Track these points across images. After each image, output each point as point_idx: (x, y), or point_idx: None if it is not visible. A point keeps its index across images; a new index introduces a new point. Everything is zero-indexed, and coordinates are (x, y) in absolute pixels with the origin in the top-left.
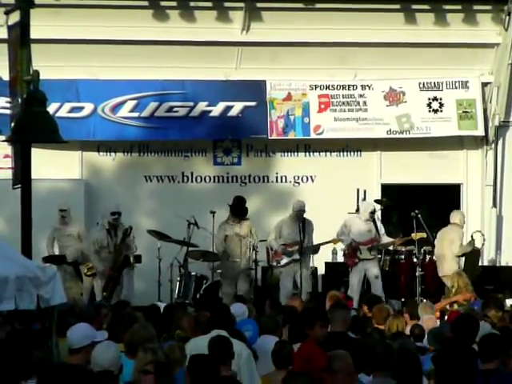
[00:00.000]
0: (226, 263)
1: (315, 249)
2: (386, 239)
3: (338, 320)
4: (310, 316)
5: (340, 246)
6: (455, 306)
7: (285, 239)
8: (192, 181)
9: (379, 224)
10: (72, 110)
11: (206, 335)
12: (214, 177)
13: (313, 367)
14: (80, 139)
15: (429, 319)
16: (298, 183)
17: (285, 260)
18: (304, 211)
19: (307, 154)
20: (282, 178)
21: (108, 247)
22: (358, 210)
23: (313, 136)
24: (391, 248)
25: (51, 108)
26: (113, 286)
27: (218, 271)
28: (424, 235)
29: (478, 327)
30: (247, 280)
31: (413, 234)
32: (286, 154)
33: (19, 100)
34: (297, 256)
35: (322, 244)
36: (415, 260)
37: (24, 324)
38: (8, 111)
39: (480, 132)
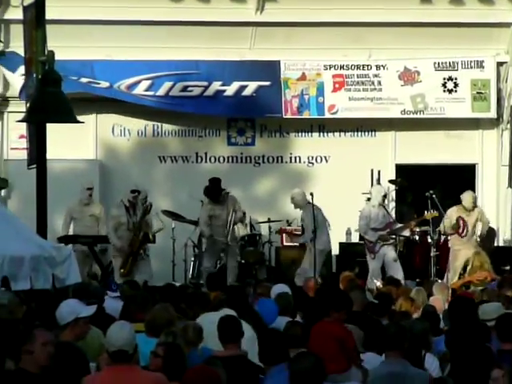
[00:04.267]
0: (209, 239)
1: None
2: (399, 225)
3: (354, 301)
4: (325, 305)
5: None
6: (471, 287)
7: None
8: (206, 161)
9: (390, 210)
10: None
11: (216, 312)
12: (228, 157)
13: (344, 346)
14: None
15: (435, 300)
16: (312, 163)
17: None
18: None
19: (321, 134)
20: (296, 158)
21: (127, 224)
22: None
23: (327, 115)
24: (408, 234)
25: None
26: (131, 263)
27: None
28: (436, 214)
29: (474, 308)
30: (234, 256)
31: (426, 214)
32: (300, 134)
33: (34, 80)
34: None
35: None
36: (430, 240)
37: (40, 304)
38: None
39: (492, 114)
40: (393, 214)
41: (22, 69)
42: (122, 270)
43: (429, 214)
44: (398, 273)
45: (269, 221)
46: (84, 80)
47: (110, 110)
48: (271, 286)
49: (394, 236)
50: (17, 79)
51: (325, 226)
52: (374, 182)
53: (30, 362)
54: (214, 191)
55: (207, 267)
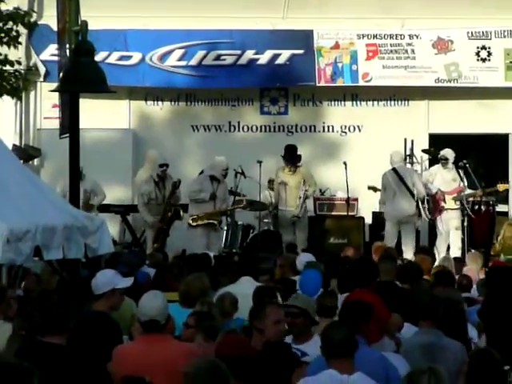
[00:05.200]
0: (281, 212)
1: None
2: (469, 190)
3: (385, 270)
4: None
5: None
6: (501, 257)
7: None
8: (239, 130)
9: (463, 175)
10: (120, 58)
11: (234, 283)
12: (261, 126)
13: (377, 316)
14: (129, 85)
15: (468, 270)
16: (345, 133)
17: None
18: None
19: (354, 103)
20: (329, 127)
21: (156, 199)
22: (406, 159)
23: (361, 83)
24: (472, 199)
25: (99, 56)
26: (163, 237)
27: (265, 220)
28: (507, 186)
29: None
30: (304, 229)
31: (499, 185)
32: (333, 103)
33: (67, 50)
34: None
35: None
36: (492, 211)
37: (72, 273)
38: (56, 58)
39: None
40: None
41: (51, 48)
42: (155, 245)
43: (502, 186)
44: (456, 241)
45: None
46: (115, 54)
47: None
48: (293, 256)
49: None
50: (41, 65)
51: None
52: (408, 151)
53: (259, 341)
54: (291, 156)
55: (287, 241)
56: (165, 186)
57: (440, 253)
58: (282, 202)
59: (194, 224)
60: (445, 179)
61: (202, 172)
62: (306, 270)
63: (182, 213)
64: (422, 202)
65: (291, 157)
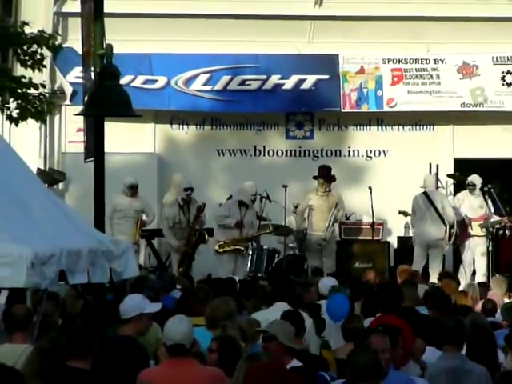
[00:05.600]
0: (309, 236)
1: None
2: (495, 217)
3: (406, 296)
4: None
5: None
6: None
7: None
8: (264, 154)
9: (490, 202)
10: (146, 82)
11: (268, 308)
12: (287, 151)
13: (403, 341)
14: (154, 109)
15: (493, 294)
16: (371, 157)
17: None
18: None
19: (380, 127)
20: (354, 151)
21: (180, 223)
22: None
23: (386, 109)
24: (498, 226)
25: (124, 80)
26: (188, 261)
27: (290, 245)
28: None
29: None
30: (332, 254)
31: None
32: (358, 127)
33: (92, 74)
34: None
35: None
36: None
37: (97, 297)
38: (81, 80)
39: None
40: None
41: (75, 70)
42: (180, 269)
43: None
44: (481, 267)
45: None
46: (141, 78)
47: None
48: (317, 280)
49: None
50: (67, 85)
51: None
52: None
53: None
54: (328, 174)
55: (314, 266)
56: (189, 209)
57: (465, 278)
58: (309, 226)
59: (221, 250)
60: (472, 205)
61: (230, 197)
62: (332, 294)
63: (206, 236)
64: (452, 227)
65: (327, 174)
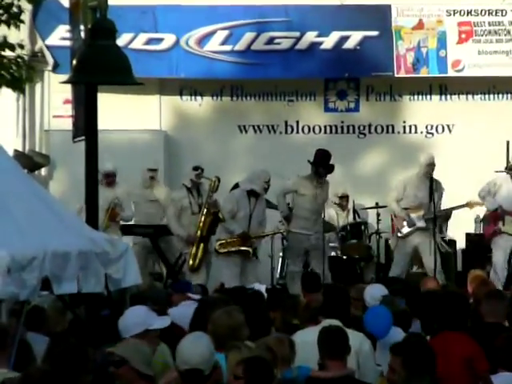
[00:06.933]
0: (293, 235)
1: (446, 214)
2: None
3: (493, 311)
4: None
5: (478, 211)
6: None
7: (408, 202)
8: (298, 131)
9: None
10: (149, 41)
11: (315, 326)
12: (325, 126)
13: (473, 366)
14: (159, 77)
15: None
16: (432, 134)
17: (406, 228)
18: (434, 167)
19: (443, 97)
20: (410, 127)
21: (191, 207)
22: (509, 168)
23: (451, 73)
24: None
25: (122, 40)
26: (203, 252)
27: (331, 244)
28: None
29: None
30: (320, 258)
31: None
32: (415, 97)
33: (81, 32)
34: (422, 223)
35: (455, 208)
36: None
37: (89, 311)
38: (68, 43)
39: None
40: None
41: (60, 29)
42: (190, 262)
43: None
44: None
45: (377, 206)
46: (142, 37)
47: None
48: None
49: None
50: (48, 54)
51: None
52: (510, 156)
53: None
54: (326, 163)
55: (293, 271)
56: (200, 193)
57: (499, 284)
58: (296, 222)
59: (223, 251)
60: (511, 195)
61: (235, 186)
62: (371, 307)
63: (222, 217)
64: None
65: (326, 162)
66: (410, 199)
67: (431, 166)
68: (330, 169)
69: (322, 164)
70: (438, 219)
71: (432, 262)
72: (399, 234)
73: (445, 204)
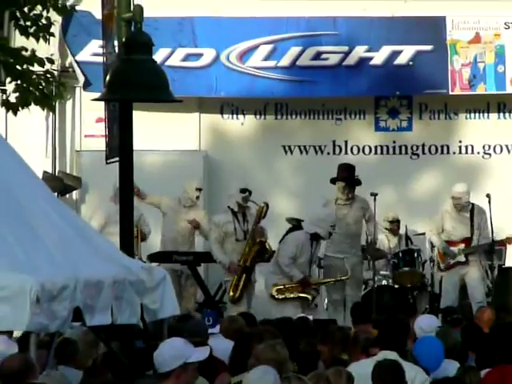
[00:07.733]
0: (329, 259)
1: (489, 249)
2: None
3: None
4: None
5: None
6: None
7: (448, 235)
8: (346, 152)
9: None
10: (187, 57)
11: (370, 358)
12: (376, 146)
13: None
14: (198, 96)
15: None
16: (489, 154)
17: (448, 260)
18: (463, 199)
19: (501, 114)
20: (467, 147)
21: (235, 234)
22: None
23: (509, 90)
24: None
25: (158, 56)
26: (244, 283)
27: (382, 273)
28: None
29: None
30: (356, 284)
31: None
32: (472, 115)
33: (115, 45)
34: (462, 258)
35: (495, 243)
36: None
37: (124, 344)
38: (100, 59)
39: None
40: None
41: (92, 45)
42: (231, 293)
43: None
44: None
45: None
46: (180, 52)
47: None
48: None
49: None
50: (79, 71)
51: None
52: None
53: None
54: (352, 177)
55: (335, 300)
56: (246, 218)
57: None
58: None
59: (280, 297)
60: None
61: (296, 226)
62: (422, 337)
63: (269, 247)
64: None
65: (350, 176)
66: (449, 231)
67: (457, 199)
68: (352, 183)
69: (341, 179)
70: (481, 254)
71: (479, 293)
72: (441, 266)
73: (504, 229)
